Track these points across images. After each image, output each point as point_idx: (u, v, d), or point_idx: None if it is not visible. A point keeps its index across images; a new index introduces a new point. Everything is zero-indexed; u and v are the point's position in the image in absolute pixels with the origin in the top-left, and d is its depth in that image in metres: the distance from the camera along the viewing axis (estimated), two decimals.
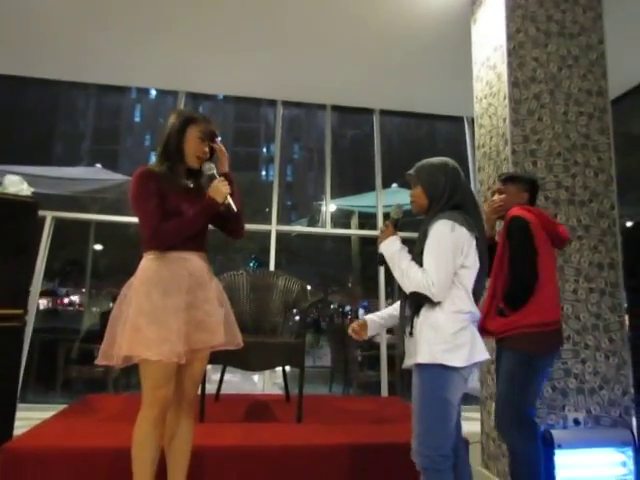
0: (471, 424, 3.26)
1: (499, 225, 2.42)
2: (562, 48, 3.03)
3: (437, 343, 1.67)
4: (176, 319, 1.77)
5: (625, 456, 2.57)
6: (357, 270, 13.87)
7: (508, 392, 2.15)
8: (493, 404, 2.81)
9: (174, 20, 3.77)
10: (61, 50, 4.24)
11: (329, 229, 5.09)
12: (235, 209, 1.89)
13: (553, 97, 2.96)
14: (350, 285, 16.30)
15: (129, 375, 5.12)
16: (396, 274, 1.78)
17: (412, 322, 1.77)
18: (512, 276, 2.15)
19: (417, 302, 1.75)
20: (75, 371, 5.07)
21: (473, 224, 1.76)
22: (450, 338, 1.67)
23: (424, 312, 1.73)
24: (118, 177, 5.50)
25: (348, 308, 14.19)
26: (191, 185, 1.96)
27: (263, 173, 27.83)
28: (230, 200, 1.88)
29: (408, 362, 1.79)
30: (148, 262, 1.84)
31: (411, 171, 1.90)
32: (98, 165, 6.09)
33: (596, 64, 3.06)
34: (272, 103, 5.26)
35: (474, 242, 1.75)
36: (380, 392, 4.69)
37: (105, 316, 6.73)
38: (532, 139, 2.89)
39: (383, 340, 4.76)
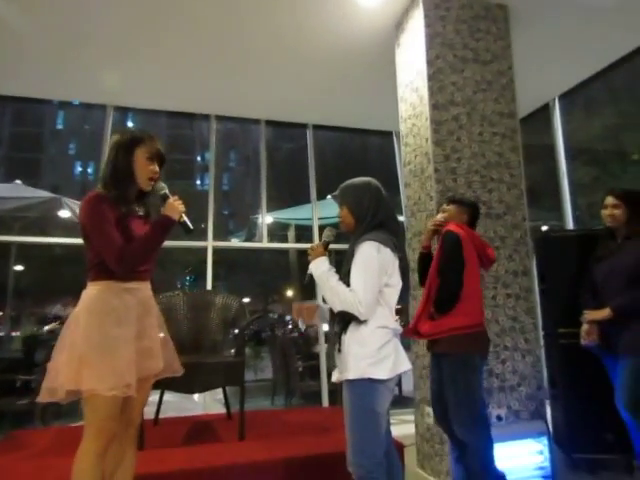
0: (407, 427, 3.42)
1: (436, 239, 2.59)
2: (477, 74, 3.30)
3: (363, 358, 1.78)
4: (128, 349, 1.73)
5: (542, 445, 2.84)
6: (296, 279, 13.97)
7: (459, 397, 2.26)
8: (427, 407, 2.99)
9: (101, 32, 3.68)
10: None
11: (266, 243, 5.13)
12: (191, 227, 1.86)
13: (470, 119, 3.21)
14: (290, 294, 16.36)
15: (58, 403, 4.73)
16: (325, 293, 1.87)
17: (340, 339, 1.87)
18: (441, 283, 2.34)
19: (344, 320, 1.85)
20: None
21: (396, 243, 1.90)
22: (375, 352, 1.78)
23: (351, 329, 1.84)
24: (41, 194, 5.20)
25: (288, 317, 14.25)
26: (140, 213, 1.92)
27: (198, 182, 27.26)
28: (185, 218, 1.85)
29: (338, 377, 1.89)
30: (96, 291, 1.76)
31: (336, 193, 2.00)
32: (18, 181, 5.72)
33: (507, 88, 3.36)
34: (206, 117, 5.24)
35: (397, 262, 1.88)
36: (321, 402, 4.78)
37: (28, 341, 6.25)
38: (452, 158, 3.12)
39: (322, 350, 4.87)
